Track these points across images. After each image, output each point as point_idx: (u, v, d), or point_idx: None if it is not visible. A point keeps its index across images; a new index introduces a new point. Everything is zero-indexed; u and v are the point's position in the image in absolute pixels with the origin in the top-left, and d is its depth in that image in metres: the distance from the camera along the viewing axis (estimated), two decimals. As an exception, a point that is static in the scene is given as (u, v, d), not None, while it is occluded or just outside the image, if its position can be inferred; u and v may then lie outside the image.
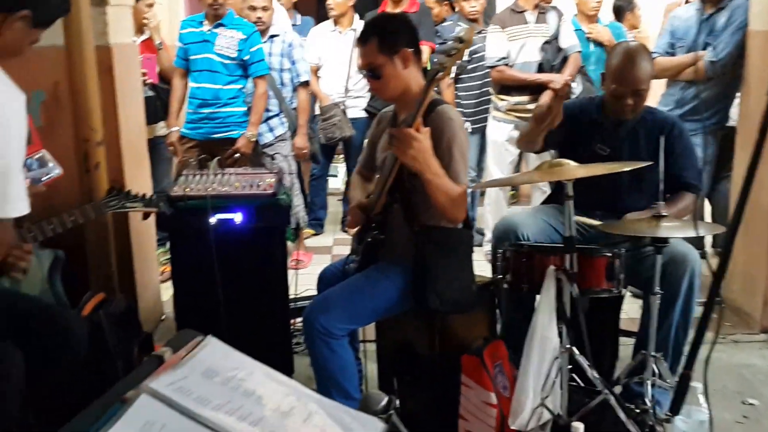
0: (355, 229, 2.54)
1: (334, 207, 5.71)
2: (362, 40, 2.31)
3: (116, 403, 0.99)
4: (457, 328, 2.41)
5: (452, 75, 4.53)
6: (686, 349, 2.28)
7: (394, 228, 2.35)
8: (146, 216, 2.64)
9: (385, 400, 1.25)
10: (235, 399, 1.08)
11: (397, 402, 1.33)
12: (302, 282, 3.15)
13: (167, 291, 3.77)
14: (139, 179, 3.32)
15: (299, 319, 3.28)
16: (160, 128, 4.34)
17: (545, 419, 2.23)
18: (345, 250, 4.74)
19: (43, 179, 2.43)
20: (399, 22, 2.39)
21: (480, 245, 4.43)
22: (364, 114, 4.77)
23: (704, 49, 3.70)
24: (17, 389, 1.87)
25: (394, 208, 2.34)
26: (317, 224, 5.22)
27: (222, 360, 1.20)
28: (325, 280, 2.57)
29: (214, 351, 1.22)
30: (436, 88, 2.28)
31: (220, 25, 3.92)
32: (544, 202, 2.98)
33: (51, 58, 2.80)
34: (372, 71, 2.29)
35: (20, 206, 1.49)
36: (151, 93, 4.13)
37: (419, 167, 2.12)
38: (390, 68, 2.27)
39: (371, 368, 2.64)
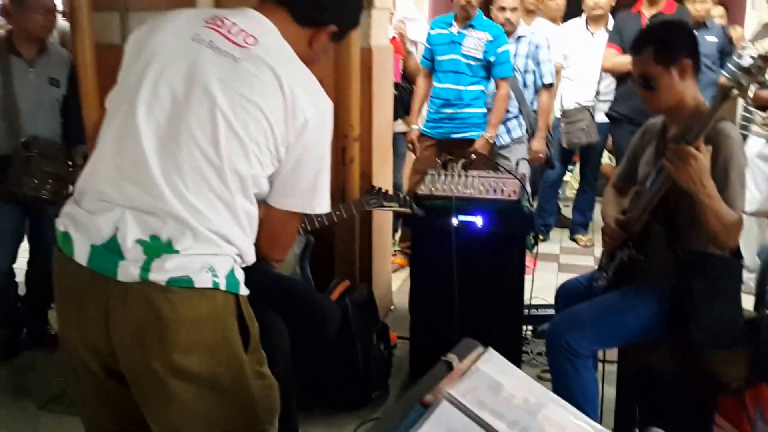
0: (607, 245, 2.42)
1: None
2: (637, 48, 2.19)
3: (417, 405, 1.02)
4: (714, 363, 2.22)
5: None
6: None
7: (654, 249, 2.21)
8: (400, 215, 2.73)
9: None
10: (523, 418, 1.07)
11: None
12: (528, 288, 3.06)
13: (395, 282, 3.91)
14: (383, 174, 3.45)
15: (528, 327, 3.24)
16: (399, 125, 4.49)
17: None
18: (572, 259, 4.66)
19: None
20: (679, 30, 2.24)
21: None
22: (606, 119, 4.58)
23: None
24: (284, 361, 2.02)
25: (655, 227, 2.20)
26: (544, 231, 5.11)
27: (502, 375, 1.19)
28: (566, 294, 2.50)
29: (494, 364, 1.22)
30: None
31: (470, 26, 3.95)
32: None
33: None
34: (646, 81, 2.16)
35: (323, 204, 1.54)
36: (395, 92, 4.28)
37: (694, 188, 1.98)
38: (666, 79, 2.13)
39: (608, 392, 2.52)
